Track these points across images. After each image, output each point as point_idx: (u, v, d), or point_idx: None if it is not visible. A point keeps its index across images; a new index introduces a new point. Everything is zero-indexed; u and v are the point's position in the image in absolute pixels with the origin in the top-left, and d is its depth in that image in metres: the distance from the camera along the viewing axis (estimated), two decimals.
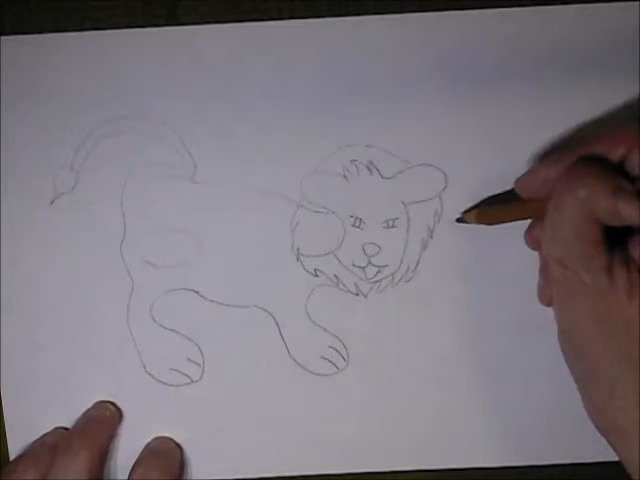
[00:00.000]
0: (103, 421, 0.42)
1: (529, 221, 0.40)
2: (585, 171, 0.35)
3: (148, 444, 0.43)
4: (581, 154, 0.36)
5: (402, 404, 0.43)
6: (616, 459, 0.43)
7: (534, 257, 0.42)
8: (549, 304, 0.39)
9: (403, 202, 0.42)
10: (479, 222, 0.41)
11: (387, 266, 0.42)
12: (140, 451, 0.43)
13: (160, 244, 0.43)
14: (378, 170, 0.42)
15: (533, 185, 0.38)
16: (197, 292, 0.42)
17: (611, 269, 0.35)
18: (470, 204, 0.42)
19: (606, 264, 0.35)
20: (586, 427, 0.43)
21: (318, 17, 0.41)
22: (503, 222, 0.40)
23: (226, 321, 0.42)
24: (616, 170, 0.35)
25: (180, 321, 0.43)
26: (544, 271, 0.39)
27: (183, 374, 0.43)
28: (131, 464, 0.42)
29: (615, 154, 0.35)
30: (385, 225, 0.42)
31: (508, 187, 0.42)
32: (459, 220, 0.42)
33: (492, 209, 0.41)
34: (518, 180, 0.39)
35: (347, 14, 0.41)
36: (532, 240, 0.40)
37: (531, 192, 0.38)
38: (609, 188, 0.34)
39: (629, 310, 0.34)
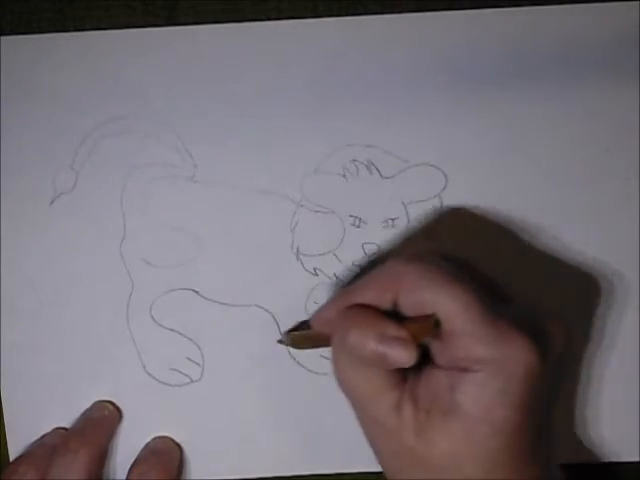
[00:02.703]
0: (102, 421, 0.42)
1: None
2: (353, 318, 0.35)
3: (147, 444, 0.43)
4: (356, 296, 0.36)
5: None
6: (616, 459, 0.43)
7: (533, 257, 0.42)
8: None
9: (403, 202, 0.42)
10: (293, 346, 0.41)
11: None
12: (139, 451, 0.43)
13: (160, 244, 0.43)
14: (378, 170, 0.42)
15: (320, 322, 0.38)
16: (197, 292, 0.42)
17: (399, 407, 0.34)
18: (470, 204, 0.42)
19: (394, 403, 0.35)
20: (586, 427, 0.43)
21: (318, 17, 0.41)
22: (313, 347, 0.40)
23: (226, 321, 0.42)
24: (391, 313, 0.35)
25: (180, 321, 0.43)
26: None
27: (183, 374, 0.43)
28: (130, 464, 0.42)
29: (385, 299, 0.35)
30: (385, 225, 0.42)
31: (508, 187, 0.42)
32: (280, 342, 0.42)
33: (301, 335, 0.40)
34: (313, 315, 0.39)
35: (347, 14, 0.41)
36: None
37: (321, 328, 0.38)
38: (374, 335, 0.34)
39: (417, 447, 0.34)
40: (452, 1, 0.41)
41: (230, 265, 0.42)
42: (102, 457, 0.42)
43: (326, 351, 0.42)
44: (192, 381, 0.43)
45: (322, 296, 0.42)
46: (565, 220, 0.42)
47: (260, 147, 0.42)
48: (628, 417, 0.43)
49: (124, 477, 0.42)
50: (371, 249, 0.42)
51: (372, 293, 0.36)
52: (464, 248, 0.42)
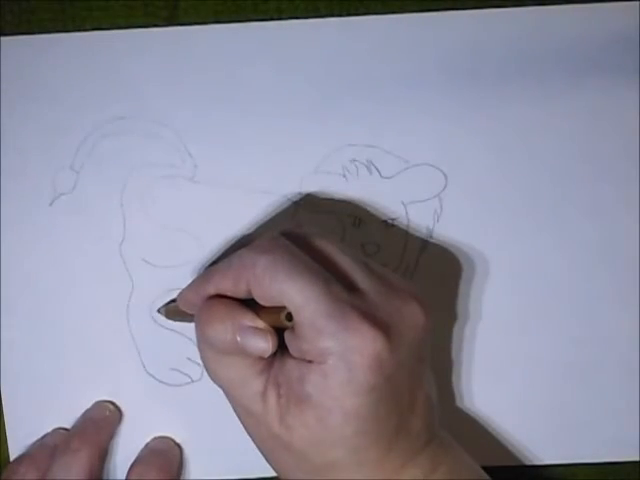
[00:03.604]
0: (103, 421, 0.42)
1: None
2: (210, 310, 0.36)
3: (147, 444, 0.43)
4: (214, 283, 0.36)
5: None
6: (616, 459, 0.43)
7: (533, 257, 0.42)
8: None
9: (403, 202, 0.42)
10: (167, 317, 0.41)
11: (387, 265, 0.42)
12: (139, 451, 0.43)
13: (160, 244, 0.42)
14: (378, 170, 0.42)
15: (184, 302, 0.39)
16: None
17: (264, 394, 0.35)
18: (470, 204, 0.42)
19: (259, 390, 0.35)
20: (586, 427, 0.43)
21: (318, 17, 0.41)
22: (185, 322, 0.40)
23: None
24: (251, 301, 0.35)
25: None
26: None
27: (183, 374, 0.43)
28: (130, 464, 0.42)
29: (240, 289, 0.35)
30: (385, 224, 0.42)
31: (508, 187, 0.42)
32: (158, 311, 0.42)
33: (174, 308, 0.40)
34: (178, 293, 0.39)
35: (347, 14, 0.41)
36: None
37: (185, 308, 0.39)
38: (231, 326, 0.35)
39: (281, 433, 0.34)
40: (453, 1, 0.41)
41: None
42: (102, 457, 0.42)
43: None
44: (192, 381, 0.43)
45: None
46: (565, 220, 0.42)
47: (260, 147, 0.42)
48: (628, 417, 0.43)
49: (124, 477, 0.42)
50: (371, 249, 0.42)
51: (228, 282, 0.36)
52: (464, 248, 0.42)
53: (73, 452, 0.40)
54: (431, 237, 0.42)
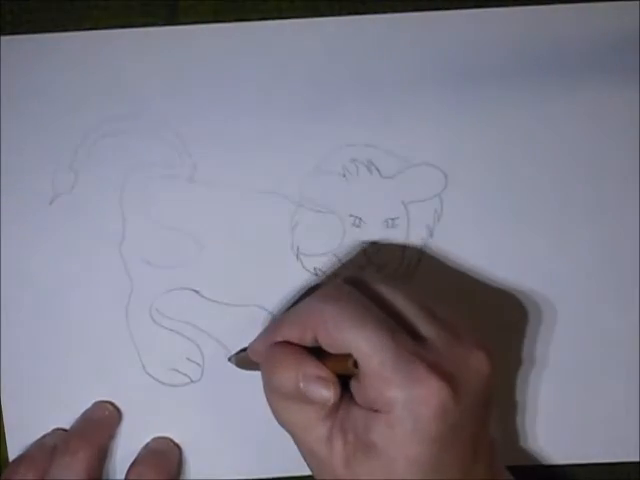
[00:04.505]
0: (102, 421, 0.42)
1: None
2: (275, 357, 0.36)
3: (147, 444, 0.43)
4: (281, 333, 0.37)
5: None
6: (616, 459, 0.43)
7: (533, 257, 0.42)
8: None
9: (403, 202, 0.42)
10: (239, 366, 0.41)
11: (387, 265, 0.42)
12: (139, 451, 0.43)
13: (160, 244, 0.42)
14: (378, 170, 0.42)
15: (253, 353, 0.39)
16: (197, 292, 0.42)
17: (330, 439, 0.35)
18: (470, 204, 0.42)
19: (325, 434, 0.35)
20: (586, 427, 0.43)
21: (318, 17, 0.41)
22: (255, 370, 0.40)
23: (226, 321, 0.42)
24: (317, 349, 0.36)
25: (180, 321, 0.43)
26: None
27: (183, 374, 0.43)
28: (130, 464, 0.42)
29: (307, 336, 0.36)
30: (385, 224, 0.42)
31: (508, 187, 0.42)
32: (229, 360, 0.42)
33: (244, 357, 0.41)
34: (249, 345, 0.40)
35: (347, 13, 0.41)
36: None
37: (254, 358, 0.39)
38: (296, 375, 0.35)
39: (346, 479, 0.35)
40: (453, 1, 0.41)
41: (230, 265, 0.42)
42: (102, 457, 0.42)
43: None
44: (192, 381, 0.43)
45: None
46: (565, 220, 0.42)
47: (260, 147, 0.42)
48: (628, 417, 0.43)
49: (123, 477, 0.42)
50: (371, 249, 0.42)
51: (295, 331, 0.36)
52: (463, 248, 0.42)
53: (72, 452, 0.40)
54: (431, 236, 0.42)
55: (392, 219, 0.42)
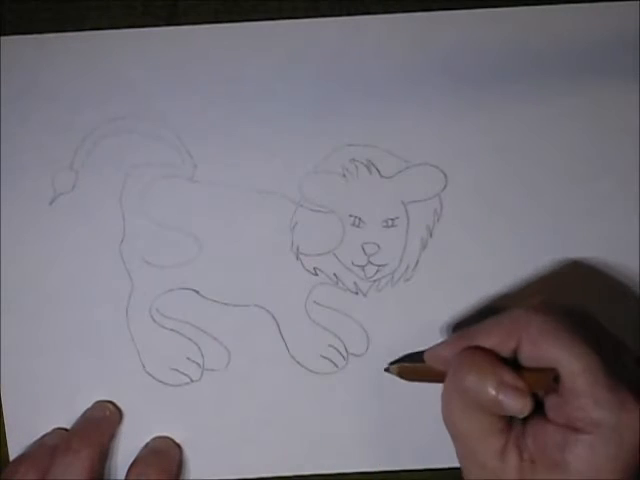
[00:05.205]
0: (103, 421, 0.42)
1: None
2: (472, 360, 0.36)
3: (147, 443, 0.43)
4: (477, 340, 0.37)
5: (402, 403, 0.43)
6: None
7: (534, 257, 0.42)
8: None
9: (403, 202, 0.42)
10: (400, 376, 0.41)
11: (386, 265, 0.42)
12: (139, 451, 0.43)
13: (160, 244, 0.42)
14: (378, 170, 0.42)
15: (435, 358, 0.39)
16: (197, 291, 0.42)
17: (504, 453, 0.35)
18: (470, 204, 0.42)
19: (499, 448, 0.35)
20: None
21: (319, 17, 0.41)
22: (421, 381, 0.40)
23: (226, 320, 0.42)
24: (508, 360, 0.36)
25: (180, 321, 0.43)
26: None
27: (183, 374, 0.43)
28: (130, 463, 0.42)
29: (506, 346, 0.36)
30: (385, 224, 0.42)
31: (508, 187, 0.42)
32: (386, 370, 0.42)
33: (411, 367, 0.41)
34: (427, 351, 0.40)
35: (348, 14, 0.41)
36: None
37: (435, 364, 0.39)
38: (492, 381, 0.35)
39: None
40: (452, 1, 0.41)
41: (230, 265, 0.42)
42: (103, 457, 0.42)
43: (326, 350, 0.42)
44: (192, 381, 0.43)
45: (322, 296, 0.42)
46: (565, 220, 0.42)
47: (260, 147, 0.42)
48: None
49: (124, 477, 0.42)
50: (371, 249, 0.42)
51: (495, 339, 0.36)
52: (463, 248, 0.42)
53: (73, 452, 0.40)
54: (431, 236, 0.42)
55: (392, 219, 0.42)
